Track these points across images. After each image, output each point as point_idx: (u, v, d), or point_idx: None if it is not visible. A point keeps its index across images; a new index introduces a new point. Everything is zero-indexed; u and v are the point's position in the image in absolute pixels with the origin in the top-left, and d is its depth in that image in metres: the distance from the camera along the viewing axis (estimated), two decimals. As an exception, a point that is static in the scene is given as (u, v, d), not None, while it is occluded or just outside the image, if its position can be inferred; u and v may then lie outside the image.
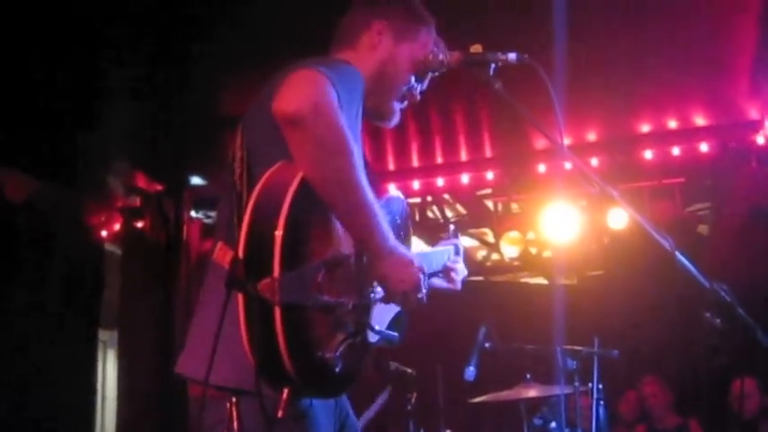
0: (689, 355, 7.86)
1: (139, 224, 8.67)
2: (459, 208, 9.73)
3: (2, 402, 7.28)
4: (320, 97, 2.28)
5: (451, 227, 3.44)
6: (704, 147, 7.66)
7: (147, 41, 6.12)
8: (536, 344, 5.96)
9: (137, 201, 8.74)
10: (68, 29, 5.84)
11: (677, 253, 2.47)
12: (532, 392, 5.82)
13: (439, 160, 8.26)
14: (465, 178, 8.29)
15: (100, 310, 8.57)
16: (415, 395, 5.53)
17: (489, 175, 8.25)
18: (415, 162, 8.20)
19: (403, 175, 8.36)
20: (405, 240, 2.80)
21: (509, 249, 8.62)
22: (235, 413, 2.30)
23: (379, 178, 2.99)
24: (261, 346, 2.19)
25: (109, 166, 8.12)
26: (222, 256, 2.41)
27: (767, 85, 6.97)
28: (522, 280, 10.58)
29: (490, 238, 9.69)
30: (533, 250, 9.02)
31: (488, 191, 8.77)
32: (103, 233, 8.68)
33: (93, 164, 7.62)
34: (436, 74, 2.88)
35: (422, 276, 2.50)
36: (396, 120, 2.92)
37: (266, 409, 2.25)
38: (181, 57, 6.26)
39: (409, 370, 5.37)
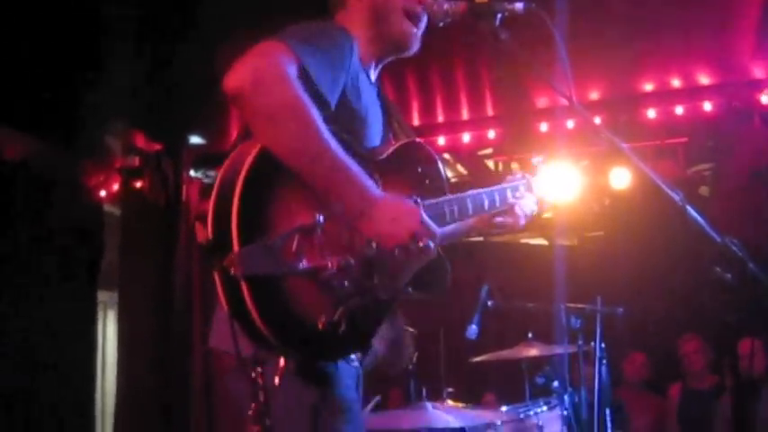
0: (695, 313, 7.83)
1: (138, 184, 8.63)
2: (460, 168, 9.68)
3: (3, 364, 7.28)
4: (262, 68, 2.28)
5: (535, 159, 3.39)
6: (708, 106, 7.58)
7: (145, -1, 6.05)
8: (538, 303, 5.94)
9: (135, 161, 8.69)
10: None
11: (688, 207, 2.43)
12: (534, 351, 5.81)
13: (440, 119, 8.19)
14: (466, 137, 8.21)
15: (99, 271, 8.54)
16: (416, 354, 5.51)
17: (491, 134, 8.18)
18: (416, 121, 8.13)
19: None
20: (431, 189, 2.75)
21: (509, 209, 8.56)
22: (261, 383, 2.28)
23: (403, 122, 2.95)
24: (240, 320, 2.22)
25: (107, 126, 8.07)
26: (201, 236, 2.40)
27: (772, 44, 6.91)
28: (522, 240, 10.55)
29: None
30: (533, 211, 8.95)
31: (489, 150, 8.71)
32: (102, 193, 8.64)
33: (91, 123, 7.57)
34: (441, 25, 2.82)
35: (419, 224, 2.43)
36: (415, 44, 2.85)
37: (267, 377, 2.27)
38: (179, 14, 6.19)
39: (410, 329, 5.35)
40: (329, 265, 2.32)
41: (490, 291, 5.66)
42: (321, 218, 2.32)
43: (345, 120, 2.49)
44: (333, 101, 2.46)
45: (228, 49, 6.56)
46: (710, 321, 7.44)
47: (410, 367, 5.50)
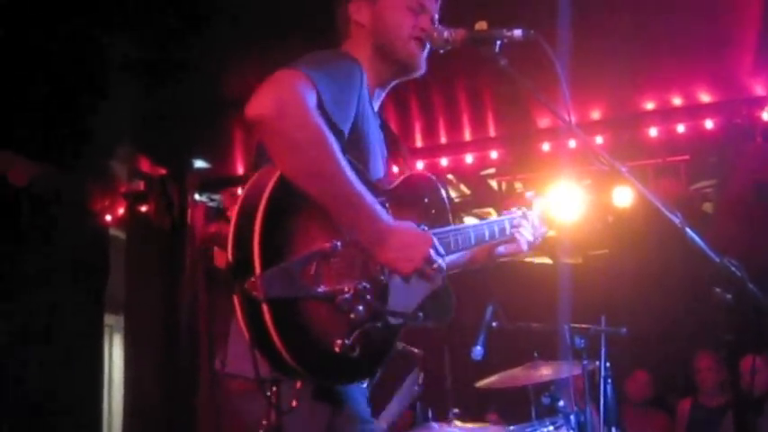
0: (697, 332, 7.84)
1: (143, 208, 8.68)
2: (464, 188, 9.70)
3: (10, 387, 7.29)
4: (284, 97, 2.32)
5: (529, 194, 3.47)
6: (709, 124, 7.61)
7: (150, 24, 6.09)
8: (543, 323, 5.94)
9: (140, 185, 8.74)
10: (72, 12, 5.81)
11: (687, 228, 2.45)
12: (540, 371, 5.80)
13: (443, 140, 8.23)
14: (469, 158, 8.26)
15: (105, 295, 8.57)
16: (422, 376, 5.52)
17: (493, 155, 8.23)
18: (419, 142, 8.17)
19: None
20: (437, 219, 2.83)
21: (513, 229, 8.58)
22: (274, 402, 2.34)
23: (405, 153, 3.02)
24: (260, 344, 2.26)
25: (112, 151, 8.11)
26: (221, 261, 2.42)
27: (772, 61, 6.93)
28: (527, 260, 10.54)
29: (494, 217, 9.64)
30: (538, 230, 8.96)
31: (492, 170, 8.74)
32: (107, 218, 8.68)
33: (96, 148, 7.61)
34: (441, 51, 2.86)
35: (431, 249, 2.51)
36: (421, 65, 2.90)
37: (279, 400, 2.33)
38: (184, 39, 6.23)
39: (416, 350, 5.36)
40: (345, 289, 2.37)
41: (495, 311, 5.67)
42: (338, 243, 2.38)
43: (354, 149, 2.54)
44: (345, 131, 2.53)
45: (232, 74, 6.63)
46: (713, 340, 7.45)
47: (416, 388, 5.52)
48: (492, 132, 8.14)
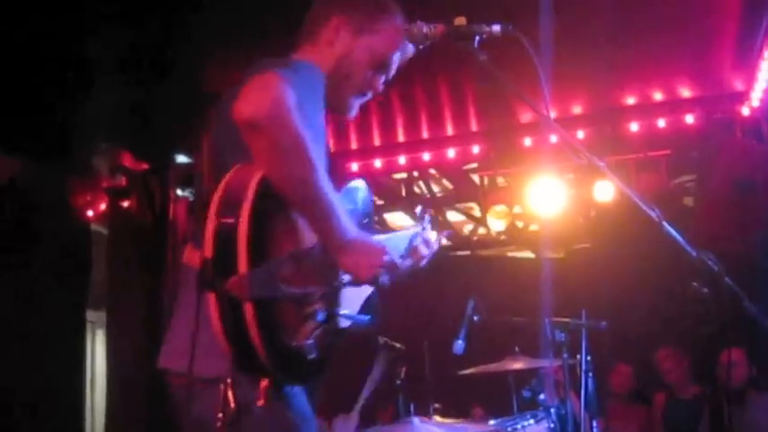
0: (676, 325, 7.89)
1: (125, 204, 8.65)
2: (446, 183, 9.73)
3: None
4: (276, 101, 2.33)
5: (419, 207, 3.41)
6: (689, 118, 7.67)
7: (131, 18, 6.07)
8: (524, 317, 5.97)
9: (122, 180, 8.72)
10: (54, 7, 5.79)
11: (664, 223, 2.47)
12: (521, 365, 5.83)
13: (425, 135, 8.25)
14: (451, 153, 8.29)
15: (87, 291, 8.54)
16: (404, 370, 5.54)
17: (475, 150, 8.26)
18: (401, 137, 8.19)
19: (389, 150, 8.38)
20: (367, 226, 2.86)
21: (496, 223, 8.65)
22: (231, 394, 2.34)
23: (339, 165, 3.05)
24: (235, 342, 2.26)
25: (94, 146, 8.08)
26: (191, 257, 2.46)
27: (752, 57, 6.97)
28: (510, 254, 10.59)
29: (477, 212, 9.70)
30: (520, 224, 9.06)
31: (474, 165, 8.77)
32: (89, 213, 8.65)
33: (77, 144, 7.58)
34: (420, 47, 2.87)
35: (386, 258, 2.56)
36: (353, 113, 2.96)
37: (245, 398, 2.34)
38: (166, 34, 6.22)
39: (398, 345, 5.38)
40: (314, 291, 2.44)
41: (476, 305, 5.70)
42: (310, 247, 2.44)
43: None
44: (320, 132, 2.60)
45: (214, 70, 6.61)
46: (691, 333, 7.51)
47: (398, 383, 5.53)
48: (474, 127, 8.16)
